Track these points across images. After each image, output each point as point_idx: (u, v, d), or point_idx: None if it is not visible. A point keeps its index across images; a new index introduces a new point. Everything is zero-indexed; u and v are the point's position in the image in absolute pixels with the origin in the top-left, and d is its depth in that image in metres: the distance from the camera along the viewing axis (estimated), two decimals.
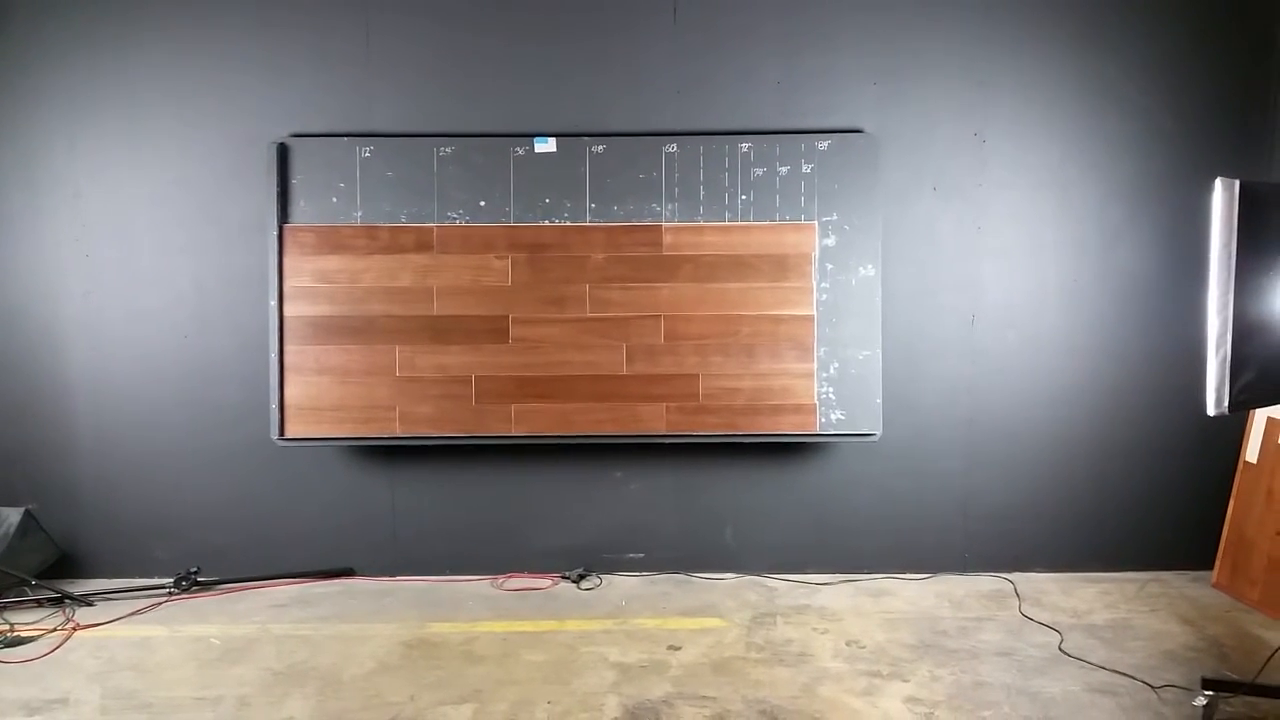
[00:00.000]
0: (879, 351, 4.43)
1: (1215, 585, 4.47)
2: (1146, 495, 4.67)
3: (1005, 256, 4.60)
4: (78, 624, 4.09)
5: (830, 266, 4.42)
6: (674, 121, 4.51)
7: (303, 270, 4.39)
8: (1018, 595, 4.39)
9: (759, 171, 4.41)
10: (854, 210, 4.41)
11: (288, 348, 4.38)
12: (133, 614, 4.24)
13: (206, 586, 4.52)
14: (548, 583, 4.60)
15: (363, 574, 4.69)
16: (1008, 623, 4.09)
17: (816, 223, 4.41)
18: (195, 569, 4.51)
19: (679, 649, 3.81)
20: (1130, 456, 4.65)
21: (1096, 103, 4.54)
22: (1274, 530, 4.18)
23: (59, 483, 4.67)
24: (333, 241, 4.39)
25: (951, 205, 4.58)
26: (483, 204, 4.41)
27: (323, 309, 4.40)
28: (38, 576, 4.37)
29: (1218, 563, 4.50)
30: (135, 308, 4.62)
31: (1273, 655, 3.51)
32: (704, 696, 3.42)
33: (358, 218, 4.41)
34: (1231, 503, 4.48)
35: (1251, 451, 4.41)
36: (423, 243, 4.40)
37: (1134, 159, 4.55)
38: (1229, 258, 2.73)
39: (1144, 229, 4.58)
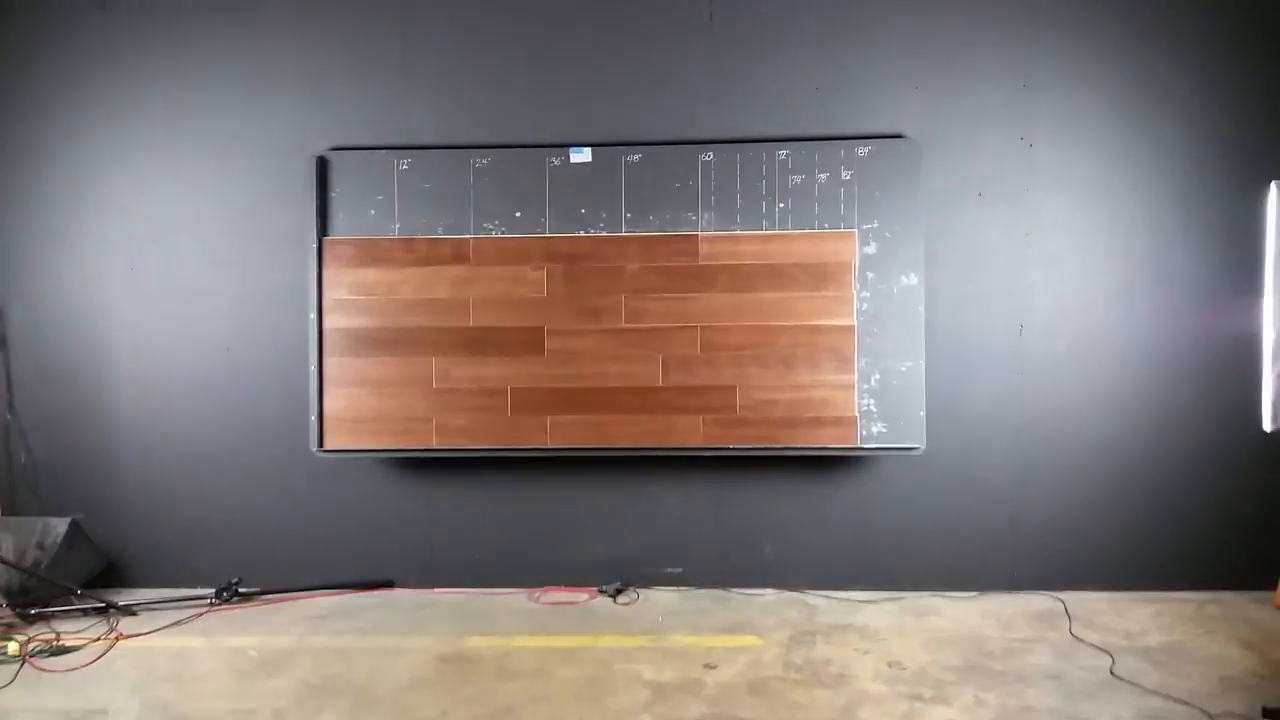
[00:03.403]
0: (922, 362, 4.33)
1: (1277, 606, 4.28)
2: (1204, 511, 4.49)
3: (1054, 264, 4.47)
4: (121, 633, 4.14)
5: (871, 275, 4.32)
6: (710, 129, 4.46)
7: (342, 283, 4.42)
8: (1068, 615, 4.24)
9: (797, 179, 4.33)
10: (896, 217, 4.31)
11: (327, 360, 4.41)
12: (174, 624, 4.29)
13: (247, 597, 4.55)
14: (584, 596, 4.56)
15: (402, 585, 4.70)
16: (1057, 644, 3.95)
17: (857, 230, 4.33)
18: (236, 580, 4.55)
19: (715, 668, 3.74)
20: (1186, 470, 4.48)
21: (1148, 105, 4.40)
22: None
23: (105, 493, 4.75)
24: (371, 254, 4.41)
25: (998, 212, 4.47)
26: (518, 215, 4.40)
27: (361, 321, 4.42)
28: (84, 585, 4.44)
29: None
30: (178, 321, 4.70)
31: None
32: (739, 718, 3.34)
33: (395, 230, 4.42)
34: None
35: None
36: (459, 254, 4.40)
37: (1187, 163, 4.40)
38: None
39: (1198, 235, 4.42)
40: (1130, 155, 4.42)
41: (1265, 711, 3.11)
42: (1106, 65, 4.39)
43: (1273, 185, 2.63)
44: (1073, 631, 4.07)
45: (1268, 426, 2.70)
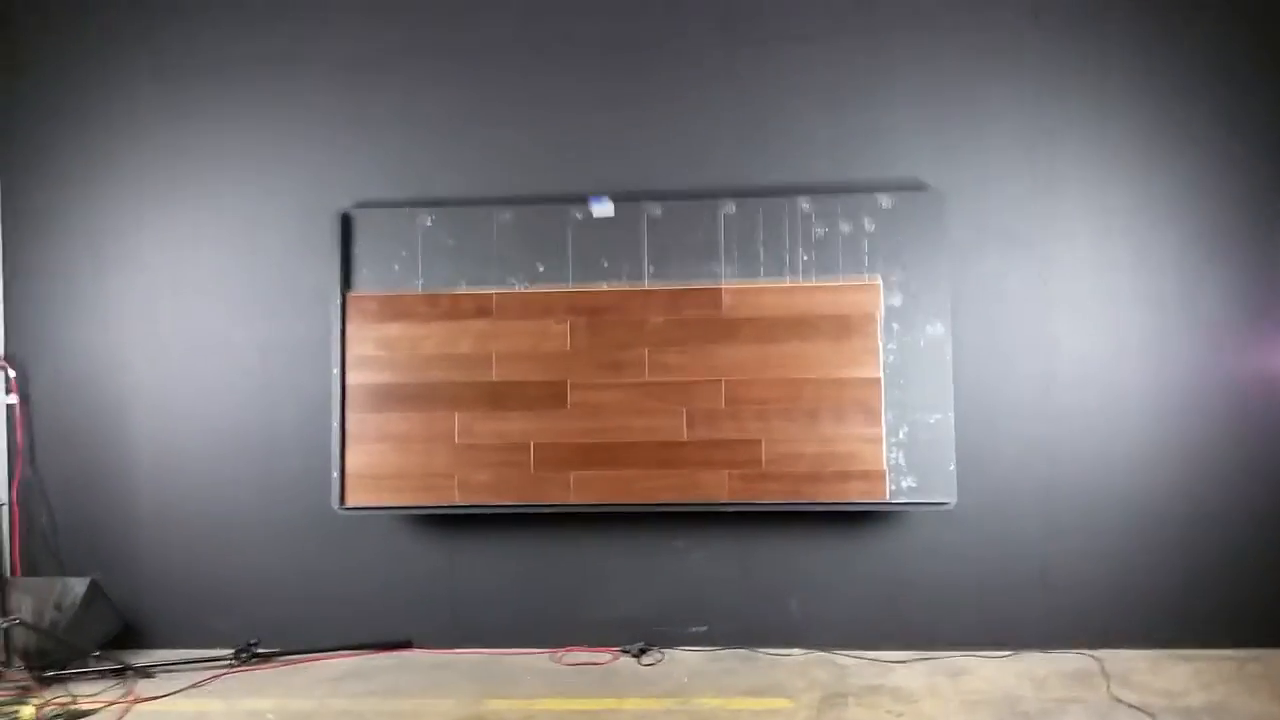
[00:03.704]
0: (951, 414, 4.26)
1: None
2: (1242, 565, 4.36)
3: (1080, 311, 4.42)
4: (138, 696, 4.07)
5: (896, 326, 4.29)
6: (732, 180, 4.46)
7: (365, 338, 4.41)
8: (1105, 674, 4.12)
9: (820, 230, 4.32)
10: (919, 267, 4.29)
11: (349, 416, 4.39)
12: (192, 686, 4.21)
13: (265, 658, 4.48)
14: (608, 657, 4.46)
15: (421, 645, 4.61)
16: (1095, 705, 3.83)
17: (880, 281, 4.30)
18: (254, 640, 4.48)
19: None
20: (1223, 522, 4.36)
21: (1169, 144, 4.37)
22: None
23: (123, 553, 4.70)
24: (395, 309, 4.41)
25: (1021, 259, 4.44)
26: (541, 269, 4.40)
27: (384, 376, 4.40)
28: (102, 647, 4.38)
29: None
30: (199, 379, 4.69)
31: None
32: None
33: (419, 285, 4.42)
34: None
35: None
36: (482, 309, 4.40)
37: (1213, 201, 4.35)
38: None
39: (1228, 276, 4.35)
40: (1154, 195, 4.37)
41: None
42: (1124, 106, 4.38)
43: None
44: (1111, 691, 3.94)
45: None
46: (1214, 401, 4.37)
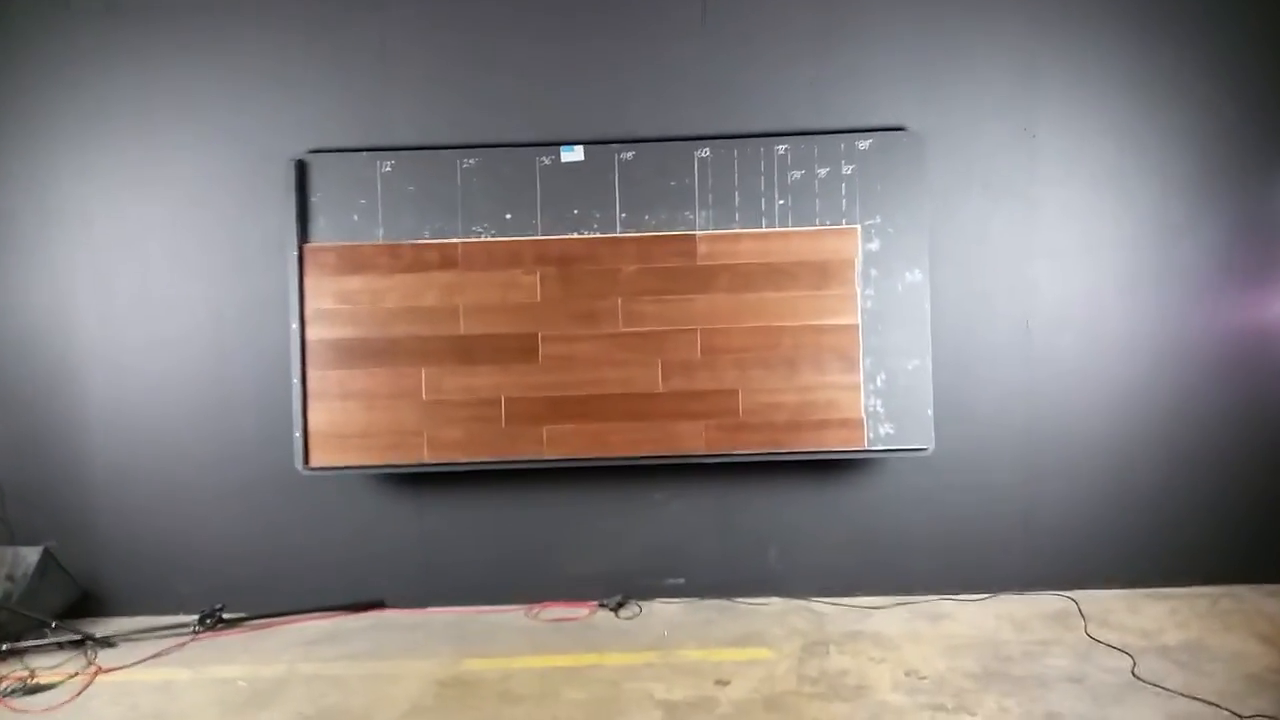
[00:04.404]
0: (929, 360, 4.21)
1: None
2: (1216, 505, 4.42)
3: (1060, 257, 4.38)
4: (100, 667, 3.92)
5: (875, 272, 4.20)
6: (706, 125, 4.32)
7: (324, 291, 4.23)
8: (1083, 615, 4.15)
9: (797, 174, 4.21)
10: (898, 212, 4.20)
11: (310, 373, 4.22)
12: (156, 655, 4.08)
13: (232, 624, 4.35)
14: (585, 611, 4.40)
15: (394, 606, 4.51)
16: (1075, 645, 3.86)
17: (859, 227, 4.21)
18: (220, 605, 4.35)
19: (728, 683, 3.60)
20: (1197, 464, 4.41)
21: (1155, 93, 4.32)
22: None
23: (78, 519, 4.52)
24: (355, 261, 4.23)
25: (1002, 204, 4.37)
26: (509, 217, 4.23)
27: (346, 331, 4.23)
28: (60, 617, 4.23)
29: None
30: (152, 335, 4.49)
31: None
32: None
33: (380, 235, 4.24)
34: None
35: None
36: (447, 259, 4.23)
37: (1195, 152, 4.33)
38: None
39: (1207, 225, 4.35)
40: (1137, 145, 4.33)
41: None
42: (1112, 53, 4.30)
43: None
44: (1089, 632, 3.97)
45: None
46: (1187, 348, 4.39)
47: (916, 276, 4.20)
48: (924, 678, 3.60)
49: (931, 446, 4.23)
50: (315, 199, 4.24)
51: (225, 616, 4.36)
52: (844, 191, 4.21)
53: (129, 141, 4.43)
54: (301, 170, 4.24)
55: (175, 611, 4.45)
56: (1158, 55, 4.30)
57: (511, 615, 4.40)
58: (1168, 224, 4.36)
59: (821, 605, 4.41)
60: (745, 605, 4.44)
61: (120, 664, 3.98)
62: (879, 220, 4.20)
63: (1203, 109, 4.31)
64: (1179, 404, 4.40)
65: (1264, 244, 4.24)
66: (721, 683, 3.60)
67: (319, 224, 4.24)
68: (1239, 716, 3.21)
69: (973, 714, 3.31)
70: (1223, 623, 4.03)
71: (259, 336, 4.41)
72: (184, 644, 4.20)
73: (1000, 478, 4.44)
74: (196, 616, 4.32)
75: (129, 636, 4.25)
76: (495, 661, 3.88)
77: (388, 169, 4.23)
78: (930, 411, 4.21)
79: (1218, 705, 3.28)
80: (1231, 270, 4.35)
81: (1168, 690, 3.42)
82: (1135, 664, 3.63)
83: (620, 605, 4.40)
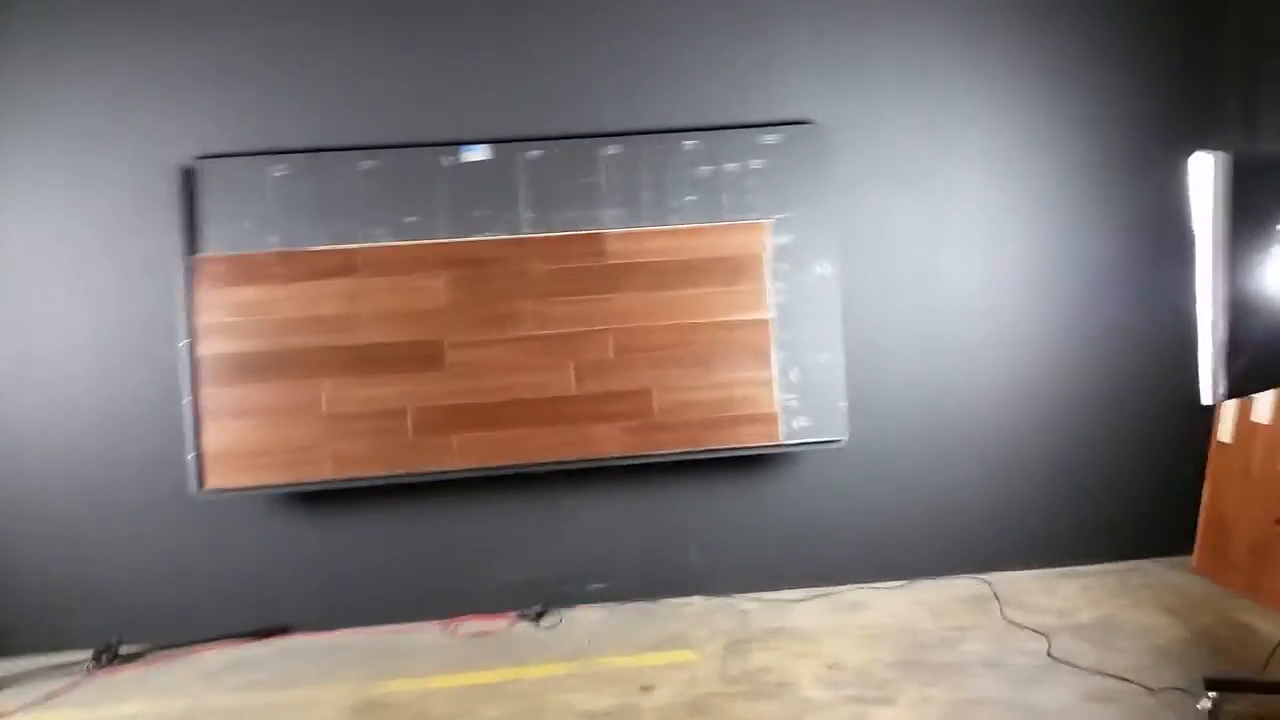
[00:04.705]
0: (840, 353, 4.22)
1: (1195, 571, 4.35)
2: (1119, 483, 4.53)
3: (965, 247, 4.44)
4: None
5: (785, 266, 4.19)
6: (614, 122, 4.25)
7: (215, 304, 4.02)
8: (997, 598, 4.21)
9: (705, 170, 4.16)
10: (807, 206, 4.19)
11: (203, 391, 4.01)
12: (48, 697, 3.82)
13: (129, 658, 4.11)
14: (504, 623, 4.28)
15: (301, 630, 4.32)
16: (992, 629, 3.90)
17: (769, 221, 4.18)
18: (116, 639, 4.10)
19: (651, 689, 3.53)
20: (1100, 444, 4.52)
21: (1053, 84, 4.40)
22: (1257, 512, 4.05)
23: None
24: (247, 270, 4.03)
25: (908, 196, 4.40)
26: (410, 220, 4.09)
27: (239, 345, 4.03)
28: None
29: (1196, 547, 4.38)
30: (31, 356, 4.20)
31: (1276, 650, 3.36)
32: None
33: (274, 243, 4.05)
34: (1207, 485, 4.36)
35: (1224, 432, 4.29)
36: (346, 265, 4.06)
37: (1093, 141, 4.42)
38: (1223, 236, 2.54)
39: (1104, 213, 4.45)
40: (1037, 135, 4.41)
41: (1208, 682, 3.08)
42: (1011, 45, 4.37)
43: (1197, 155, 2.56)
44: (1004, 615, 4.03)
45: (1207, 400, 2.64)
46: (1089, 333, 4.49)
47: (827, 269, 4.20)
48: (845, 670, 3.60)
49: (845, 438, 4.24)
50: (204, 206, 4.03)
51: (122, 651, 4.12)
52: (752, 186, 4.18)
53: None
54: (188, 177, 4.02)
55: (69, 648, 4.18)
56: (1058, 42, 4.37)
57: (427, 633, 4.26)
58: (1068, 213, 4.43)
59: (745, 602, 4.38)
60: (668, 606, 4.38)
61: (6, 709, 3.71)
62: (788, 214, 4.19)
63: (1103, 97, 4.39)
64: (1081, 388, 4.50)
65: (1162, 231, 4.35)
66: (646, 689, 3.54)
67: (208, 233, 4.03)
68: (1150, 690, 3.27)
69: (894, 704, 3.32)
70: (1131, 598, 4.13)
71: (150, 353, 4.17)
72: (78, 683, 3.94)
73: (913, 466, 4.47)
74: (91, 653, 4.06)
75: (18, 679, 3.98)
76: (411, 682, 3.74)
77: (280, 173, 4.04)
78: (843, 403, 4.22)
79: (1131, 681, 3.35)
80: (1127, 256, 4.45)
81: (1082, 669, 3.48)
82: (1050, 644, 3.69)
83: (540, 615, 4.30)
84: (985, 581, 4.40)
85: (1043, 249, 4.45)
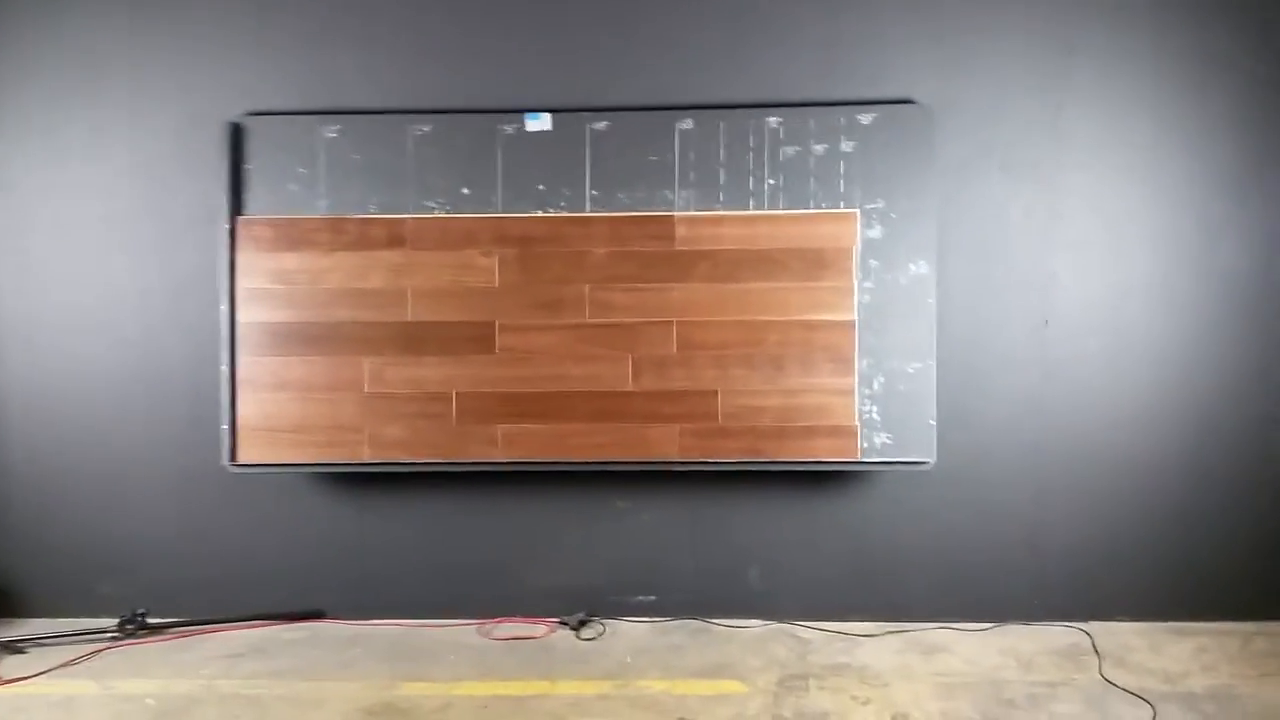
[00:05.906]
0: (933, 363, 3.82)
1: None
2: (1250, 531, 4.01)
3: (1085, 250, 3.98)
4: (1, 677, 3.55)
5: (875, 263, 3.79)
6: (689, 93, 3.93)
7: (258, 269, 3.84)
8: (1096, 652, 3.72)
9: (790, 151, 3.80)
10: (904, 196, 3.79)
11: (241, 359, 3.84)
12: (66, 665, 3.70)
13: (156, 630, 3.98)
14: (543, 629, 4.00)
15: (333, 616, 4.13)
16: (1087, 689, 3.43)
17: (859, 211, 3.80)
18: (143, 610, 3.98)
19: None
20: (1228, 486, 4.01)
21: (1200, 73, 3.91)
22: None
23: None
24: (292, 236, 3.83)
25: (1022, 189, 3.97)
26: (465, 191, 3.84)
27: (281, 314, 3.84)
28: None
29: None
30: (75, 314, 4.12)
31: None
32: None
33: (322, 208, 3.85)
34: None
35: None
36: (395, 237, 3.83)
37: (1243, 141, 3.92)
38: None
39: (1251, 223, 3.95)
40: (1177, 129, 3.94)
41: None
42: (1156, 25, 3.91)
43: None
44: (1103, 673, 3.55)
45: None
46: (1224, 359, 4.01)
47: (922, 269, 3.80)
48: None
49: (933, 459, 3.83)
50: (251, 167, 3.85)
51: (150, 622, 3.99)
52: (843, 171, 3.81)
53: (50, 102, 4.06)
54: (236, 135, 3.85)
55: (97, 614, 4.08)
56: (1208, 28, 3.89)
57: (462, 631, 4.01)
58: (1207, 219, 3.95)
59: (806, 630, 3.99)
60: (721, 628, 4.03)
61: (24, 673, 3.61)
62: (881, 204, 3.81)
63: (1255, 94, 3.90)
64: (1211, 419, 4.00)
65: None
66: None
67: (255, 194, 3.85)
68: None
69: None
70: (1256, 667, 3.59)
71: (190, 316, 4.04)
72: (100, 651, 3.83)
73: (1009, 495, 4.04)
74: (117, 621, 3.95)
75: (42, 641, 3.88)
76: (434, 686, 3.49)
77: (332, 135, 3.83)
78: (933, 420, 3.81)
79: None
80: (1276, 273, 3.94)
81: None
82: (1156, 715, 3.20)
83: (582, 624, 4.00)
84: (1084, 631, 3.93)
85: (1175, 258, 3.97)
